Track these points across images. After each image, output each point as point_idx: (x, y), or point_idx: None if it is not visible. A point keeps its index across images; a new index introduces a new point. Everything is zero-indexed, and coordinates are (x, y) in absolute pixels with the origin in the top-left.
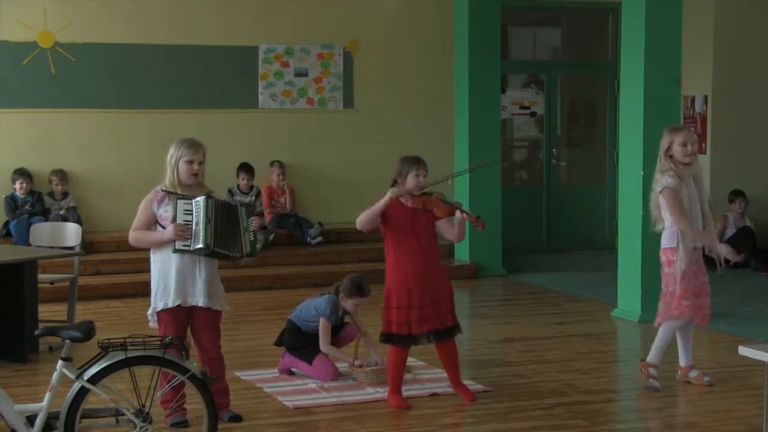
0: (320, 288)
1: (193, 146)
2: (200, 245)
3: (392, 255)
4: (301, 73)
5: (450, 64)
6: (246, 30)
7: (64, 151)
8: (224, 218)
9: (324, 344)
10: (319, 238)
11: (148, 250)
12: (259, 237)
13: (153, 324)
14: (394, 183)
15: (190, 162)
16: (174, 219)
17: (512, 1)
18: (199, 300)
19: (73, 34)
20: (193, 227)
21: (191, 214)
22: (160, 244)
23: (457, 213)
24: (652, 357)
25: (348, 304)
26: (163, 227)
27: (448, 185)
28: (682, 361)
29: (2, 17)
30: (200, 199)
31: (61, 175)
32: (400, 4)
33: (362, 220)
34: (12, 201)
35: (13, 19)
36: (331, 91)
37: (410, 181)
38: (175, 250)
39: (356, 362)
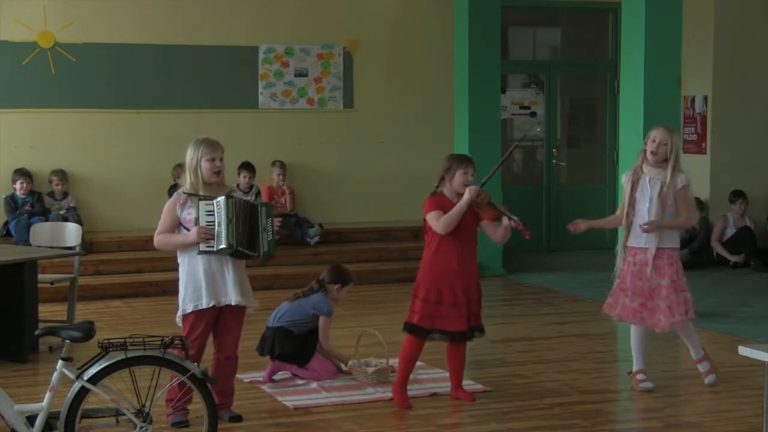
0: None
1: (212, 144)
2: (223, 245)
3: (432, 249)
4: (301, 73)
5: (450, 64)
6: (246, 30)
7: (64, 151)
8: (245, 217)
9: (326, 342)
10: (317, 238)
11: (148, 250)
12: (276, 236)
13: (179, 324)
14: (441, 179)
15: (212, 160)
16: (197, 221)
17: (512, 1)
18: (232, 299)
19: (73, 34)
20: (216, 228)
21: (213, 215)
22: (185, 247)
23: (504, 219)
24: (634, 365)
25: (341, 293)
26: (188, 229)
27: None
28: (693, 354)
29: (2, 17)
30: (221, 200)
31: (61, 175)
32: (400, 4)
33: (447, 224)
34: (12, 201)
35: (13, 19)
36: (331, 91)
37: (458, 178)
38: (200, 252)
39: (351, 361)
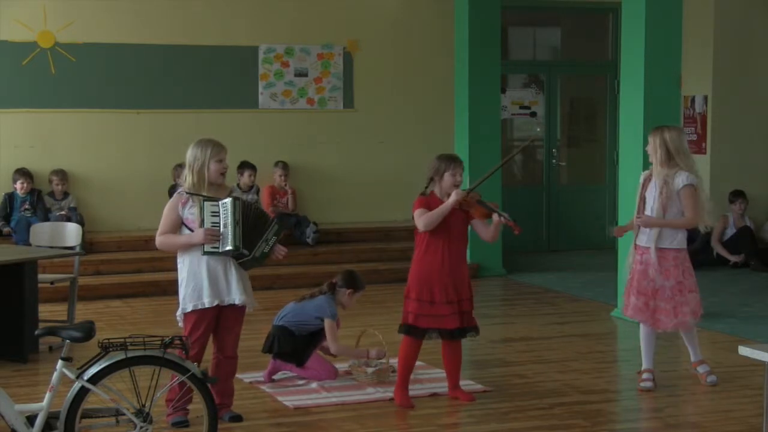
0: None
1: (219, 145)
2: (229, 247)
3: (422, 248)
4: (301, 73)
5: (450, 64)
6: (246, 30)
7: (64, 151)
8: (253, 221)
9: (334, 344)
10: (313, 236)
11: (148, 250)
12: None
13: (182, 325)
14: (431, 180)
15: (220, 161)
16: (202, 221)
17: (512, 1)
18: (236, 298)
19: (73, 34)
20: (221, 229)
21: (218, 216)
22: (189, 247)
23: (495, 216)
24: (642, 363)
25: (351, 298)
26: (190, 229)
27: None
28: (692, 357)
29: (2, 17)
30: (227, 201)
31: (61, 175)
32: (400, 4)
33: (428, 222)
34: (9, 199)
35: (12, 19)
36: (331, 91)
37: (446, 180)
38: (205, 253)
39: (372, 352)
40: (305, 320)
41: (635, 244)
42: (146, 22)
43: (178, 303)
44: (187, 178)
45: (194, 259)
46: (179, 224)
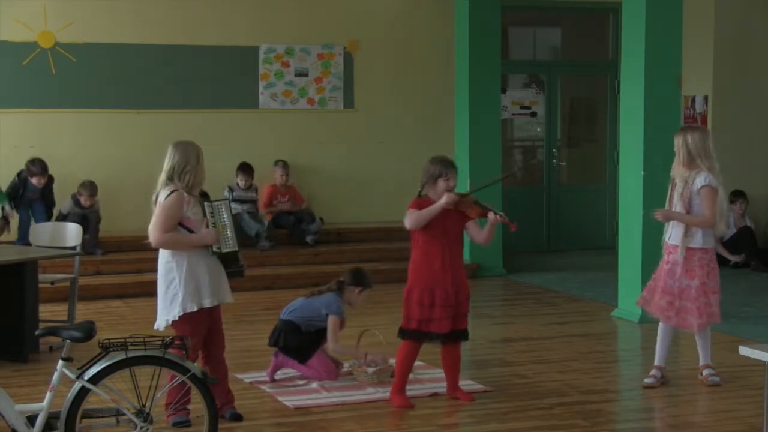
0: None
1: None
2: (234, 248)
3: (419, 252)
4: (301, 73)
5: (450, 64)
6: (246, 30)
7: (64, 151)
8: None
9: (333, 341)
10: (315, 236)
11: (148, 250)
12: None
13: (164, 327)
14: (423, 185)
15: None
16: (208, 223)
17: (512, 1)
18: (227, 297)
19: (73, 34)
20: (220, 230)
21: (214, 217)
22: (195, 247)
23: (491, 215)
24: (655, 359)
25: (360, 296)
26: (188, 229)
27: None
28: (701, 360)
29: (2, 17)
30: (221, 203)
31: (90, 190)
32: (400, 4)
33: (415, 221)
34: (23, 184)
35: (13, 19)
36: (331, 91)
37: (440, 185)
38: (213, 253)
39: (369, 357)
40: (312, 315)
41: (665, 242)
42: (146, 22)
43: (167, 307)
44: (183, 179)
45: (193, 260)
46: (177, 223)
